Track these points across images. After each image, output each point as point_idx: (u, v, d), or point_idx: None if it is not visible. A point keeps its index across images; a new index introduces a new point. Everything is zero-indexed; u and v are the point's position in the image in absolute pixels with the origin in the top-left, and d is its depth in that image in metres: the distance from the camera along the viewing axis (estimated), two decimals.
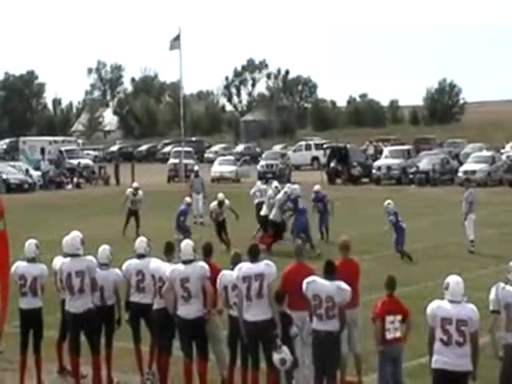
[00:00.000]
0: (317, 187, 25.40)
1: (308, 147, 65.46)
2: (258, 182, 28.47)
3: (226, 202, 23.91)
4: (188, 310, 10.94)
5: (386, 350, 10.12)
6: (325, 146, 60.26)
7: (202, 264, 11.11)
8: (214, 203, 23.88)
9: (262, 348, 10.65)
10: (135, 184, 28.53)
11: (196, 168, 34.34)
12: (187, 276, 10.92)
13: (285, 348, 10.50)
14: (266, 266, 10.70)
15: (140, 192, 27.06)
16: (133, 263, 12.05)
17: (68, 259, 11.52)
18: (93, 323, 11.47)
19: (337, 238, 19.03)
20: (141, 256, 12.05)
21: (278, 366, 10.55)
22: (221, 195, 24.06)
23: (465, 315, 9.13)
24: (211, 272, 11.07)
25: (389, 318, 10.13)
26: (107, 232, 24.60)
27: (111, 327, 11.90)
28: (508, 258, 19.63)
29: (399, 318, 10.15)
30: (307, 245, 20.80)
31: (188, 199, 24.78)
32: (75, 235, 11.73)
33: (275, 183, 26.06)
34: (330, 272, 10.39)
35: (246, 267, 10.70)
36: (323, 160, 63.68)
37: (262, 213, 23.93)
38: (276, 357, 10.47)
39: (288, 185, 25.58)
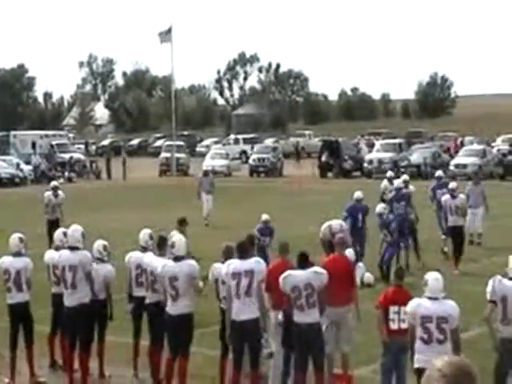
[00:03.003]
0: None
1: (236, 141, 67.77)
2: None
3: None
4: (174, 307, 10.84)
5: (390, 340, 9.98)
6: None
7: (192, 262, 11.02)
8: None
9: (247, 348, 10.37)
10: (54, 183, 23.08)
11: (204, 167, 32.44)
12: (176, 275, 10.81)
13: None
14: (256, 262, 10.54)
15: (60, 192, 21.69)
16: (134, 256, 12.05)
17: (66, 252, 11.48)
18: (85, 318, 11.40)
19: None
20: (142, 249, 12.05)
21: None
22: (380, 206, 18.26)
23: (444, 312, 9.07)
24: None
25: (393, 308, 9.99)
26: (99, 226, 24.50)
27: (103, 321, 11.85)
28: (500, 250, 19.75)
29: (405, 309, 9.78)
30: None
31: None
32: (76, 228, 11.70)
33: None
34: (303, 262, 10.45)
35: (235, 263, 10.50)
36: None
37: None
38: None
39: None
